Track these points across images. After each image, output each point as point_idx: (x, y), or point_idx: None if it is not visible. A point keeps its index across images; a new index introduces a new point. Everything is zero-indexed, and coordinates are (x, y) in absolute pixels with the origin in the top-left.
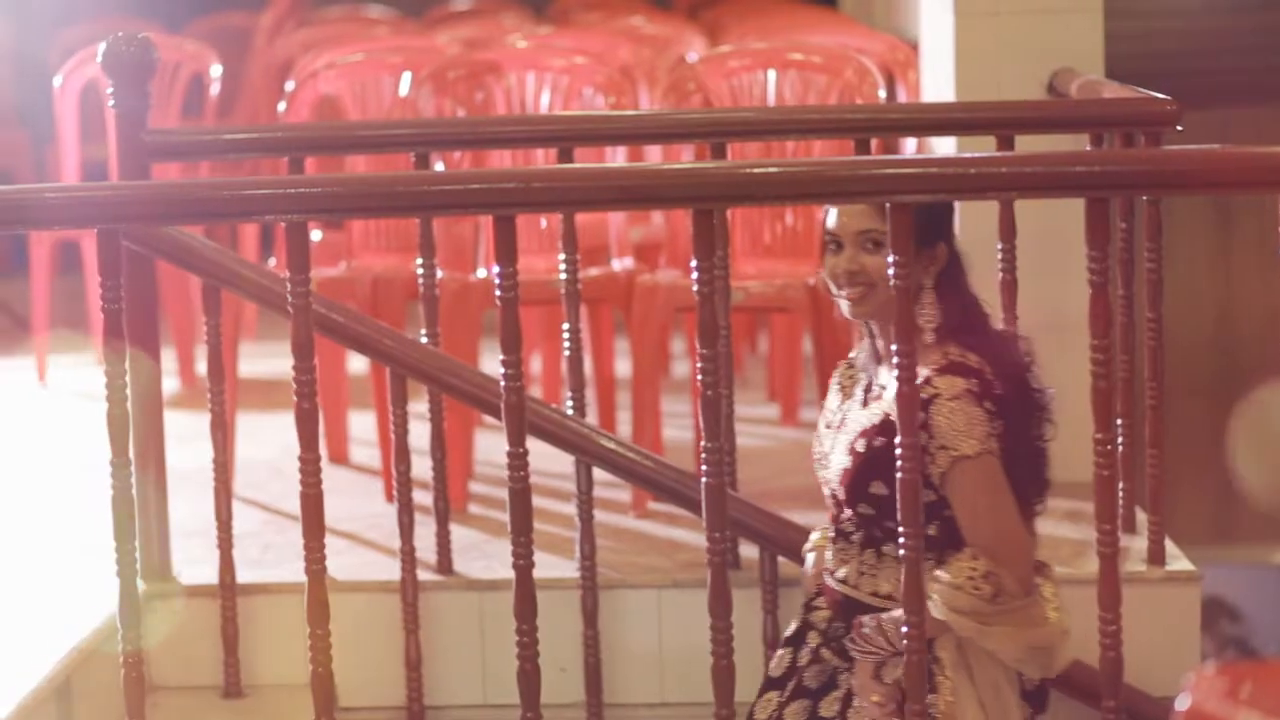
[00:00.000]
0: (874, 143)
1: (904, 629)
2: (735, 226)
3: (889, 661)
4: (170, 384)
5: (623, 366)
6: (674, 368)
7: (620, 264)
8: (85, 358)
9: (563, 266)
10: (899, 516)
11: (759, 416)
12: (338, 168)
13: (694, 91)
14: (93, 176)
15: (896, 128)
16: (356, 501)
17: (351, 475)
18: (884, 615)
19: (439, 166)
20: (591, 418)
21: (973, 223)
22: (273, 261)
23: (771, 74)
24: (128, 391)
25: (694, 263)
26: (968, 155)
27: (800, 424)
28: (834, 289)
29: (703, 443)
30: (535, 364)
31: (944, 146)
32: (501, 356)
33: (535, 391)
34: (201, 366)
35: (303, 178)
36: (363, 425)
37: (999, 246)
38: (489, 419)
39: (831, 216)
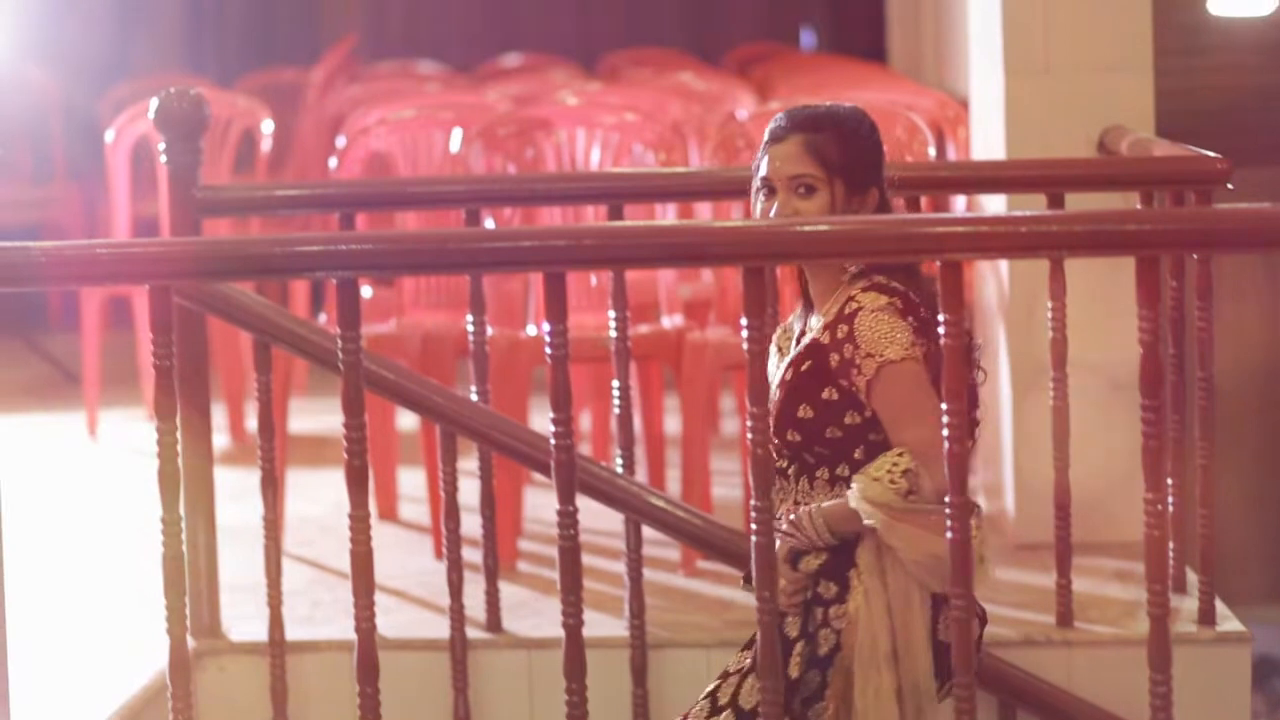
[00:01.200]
0: (924, 200)
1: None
2: (784, 283)
3: (809, 553)
4: (220, 440)
5: (672, 424)
6: (723, 425)
7: (670, 321)
8: (136, 413)
9: (613, 324)
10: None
11: None
12: (388, 224)
13: (744, 148)
14: (143, 232)
15: (946, 185)
16: (406, 558)
17: (401, 532)
18: (815, 506)
19: (489, 223)
20: (641, 475)
21: (1023, 280)
22: (323, 317)
23: None
24: (179, 448)
25: (744, 320)
26: (1018, 214)
27: None
28: None
29: (752, 501)
30: (584, 421)
31: (994, 204)
32: (551, 414)
33: (584, 449)
34: (252, 422)
35: (354, 234)
36: (412, 482)
37: (1049, 305)
38: (538, 476)
39: (764, 163)
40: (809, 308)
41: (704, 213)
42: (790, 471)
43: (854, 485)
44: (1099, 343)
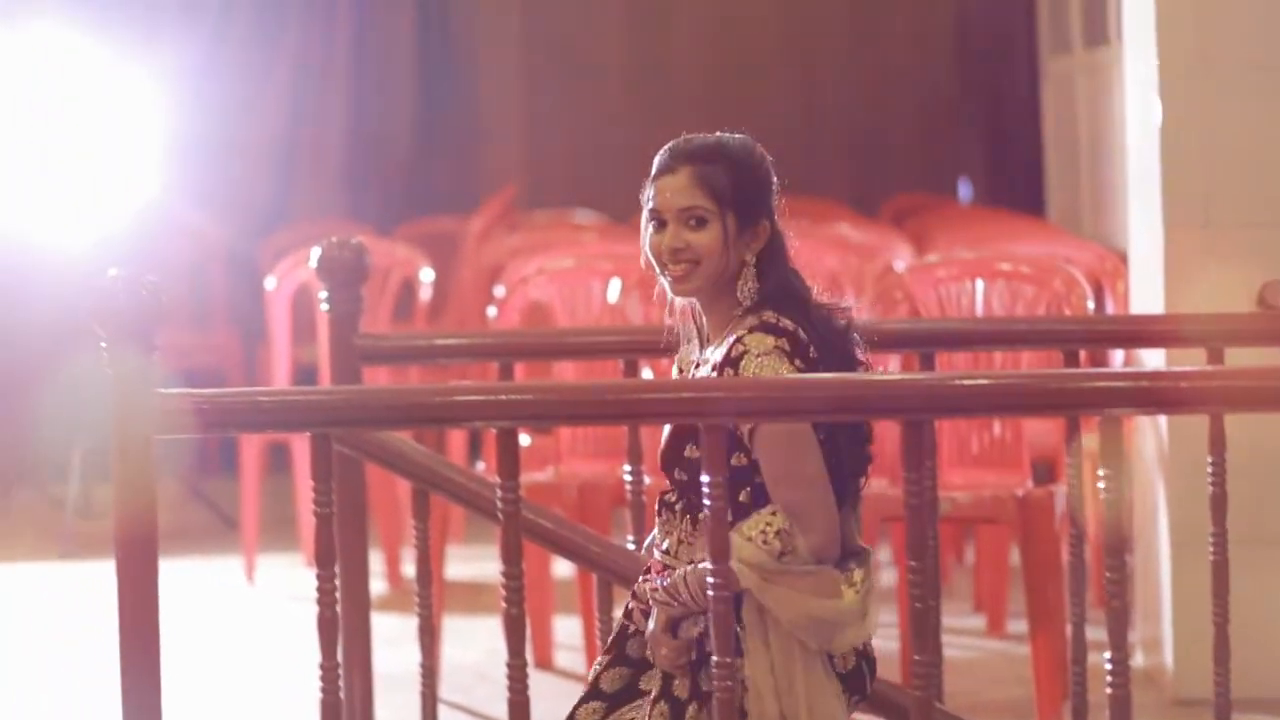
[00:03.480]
0: (1082, 354)
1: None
2: (942, 435)
3: (687, 620)
4: (378, 586)
5: None
6: (880, 577)
7: None
8: (294, 558)
9: None
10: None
11: (965, 627)
12: (546, 373)
13: (901, 300)
14: (302, 378)
15: (1105, 339)
16: (562, 707)
17: (557, 680)
18: (690, 568)
19: (647, 373)
20: None
21: (1181, 435)
22: (481, 465)
23: (979, 284)
24: (337, 594)
25: (903, 474)
26: (1178, 369)
27: (1008, 635)
28: (657, 267)
29: (912, 655)
30: None
31: (1153, 359)
32: (710, 565)
33: None
34: (409, 569)
35: (513, 385)
36: (568, 629)
37: (1209, 460)
38: None
39: (654, 195)
40: (702, 340)
41: None
42: (677, 508)
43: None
44: (1259, 497)
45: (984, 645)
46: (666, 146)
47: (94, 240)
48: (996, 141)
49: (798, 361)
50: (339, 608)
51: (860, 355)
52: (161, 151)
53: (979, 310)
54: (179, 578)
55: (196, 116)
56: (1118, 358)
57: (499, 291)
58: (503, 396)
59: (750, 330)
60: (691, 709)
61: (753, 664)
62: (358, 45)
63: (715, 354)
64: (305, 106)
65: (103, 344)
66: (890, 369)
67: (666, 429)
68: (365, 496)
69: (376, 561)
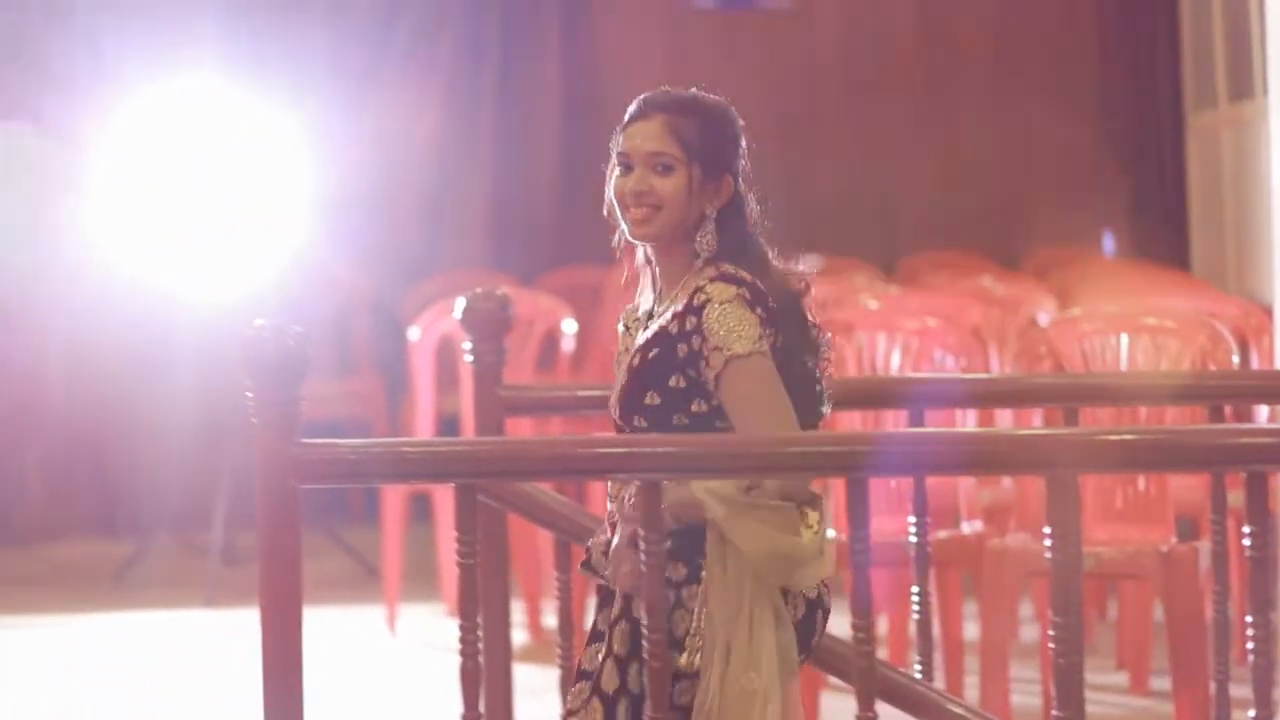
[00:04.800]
0: (1227, 410)
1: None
2: (1086, 490)
3: None
4: (519, 636)
5: (971, 630)
6: (1023, 632)
7: (969, 526)
8: (435, 608)
9: (912, 529)
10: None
11: (1108, 684)
12: None
13: (1045, 355)
14: (445, 428)
15: (1250, 395)
16: None
17: None
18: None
19: None
20: (939, 682)
21: None
22: None
23: (1124, 338)
24: (480, 645)
25: (1047, 530)
26: None
27: (1151, 693)
28: (619, 210)
29: (1054, 711)
30: (882, 625)
31: None
32: (852, 619)
33: (882, 653)
34: (550, 619)
35: (656, 437)
36: None
37: None
38: (835, 680)
39: (624, 138)
40: (655, 287)
41: (1004, 420)
42: None
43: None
44: None
45: (1127, 702)
46: (643, 95)
47: (241, 290)
48: (1140, 195)
49: (759, 310)
50: (481, 658)
51: (812, 319)
52: (310, 201)
53: (1123, 365)
54: (321, 626)
55: (344, 167)
56: (1263, 413)
57: None
58: (645, 449)
59: (711, 280)
60: None
61: (713, 592)
62: (503, 96)
63: (671, 307)
64: (450, 157)
65: (249, 393)
66: (1034, 424)
67: (622, 376)
68: (508, 546)
69: (518, 612)
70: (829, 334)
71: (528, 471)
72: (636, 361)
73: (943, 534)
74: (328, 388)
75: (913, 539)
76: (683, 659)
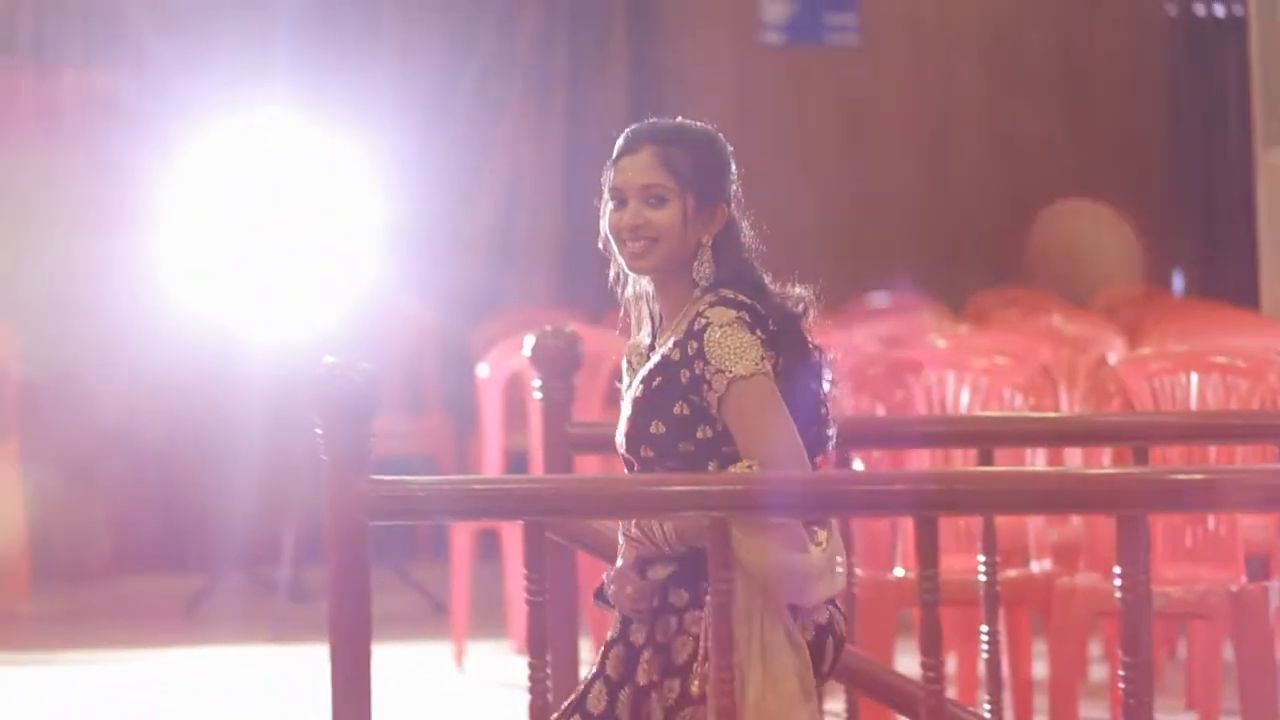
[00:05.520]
0: None
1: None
2: (1156, 529)
3: (658, 562)
4: (587, 674)
5: (1040, 669)
6: (1092, 671)
7: (1039, 565)
8: (503, 645)
9: (981, 568)
10: None
11: None
12: None
13: (1114, 393)
14: (514, 465)
15: None
16: None
17: None
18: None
19: (858, 464)
20: None
21: None
22: None
23: (1193, 377)
24: (548, 683)
25: (1117, 569)
26: None
27: None
28: (615, 246)
29: None
30: (950, 664)
31: None
32: (921, 657)
33: (951, 692)
34: None
35: (725, 475)
36: None
37: None
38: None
39: (615, 173)
40: (658, 323)
41: (1074, 459)
42: None
43: None
44: None
45: None
46: (629, 128)
47: (311, 326)
48: (1210, 233)
49: (759, 332)
50: (549, 695)
51: (812, 342)
52: (379, 238)
53: (1193, 404)
54: (389, 662)
55: (413, 203)
56: None
57: None
58: (714, 487)
59: (710, 305)
60: (646, 654)
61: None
62: (571, 132)
63: (672, 336)
64: (519, 193)
65: (318, 430)
66: (1103, 463)
67: (626, 408)
68: (576, 584)
69: (586, 649)
70: (831, 356)
71: (596, 509)
72: (639, 393)
73: (1012, 573)
74: (396, 425)
75: (982, 578)
76: (694, 687)
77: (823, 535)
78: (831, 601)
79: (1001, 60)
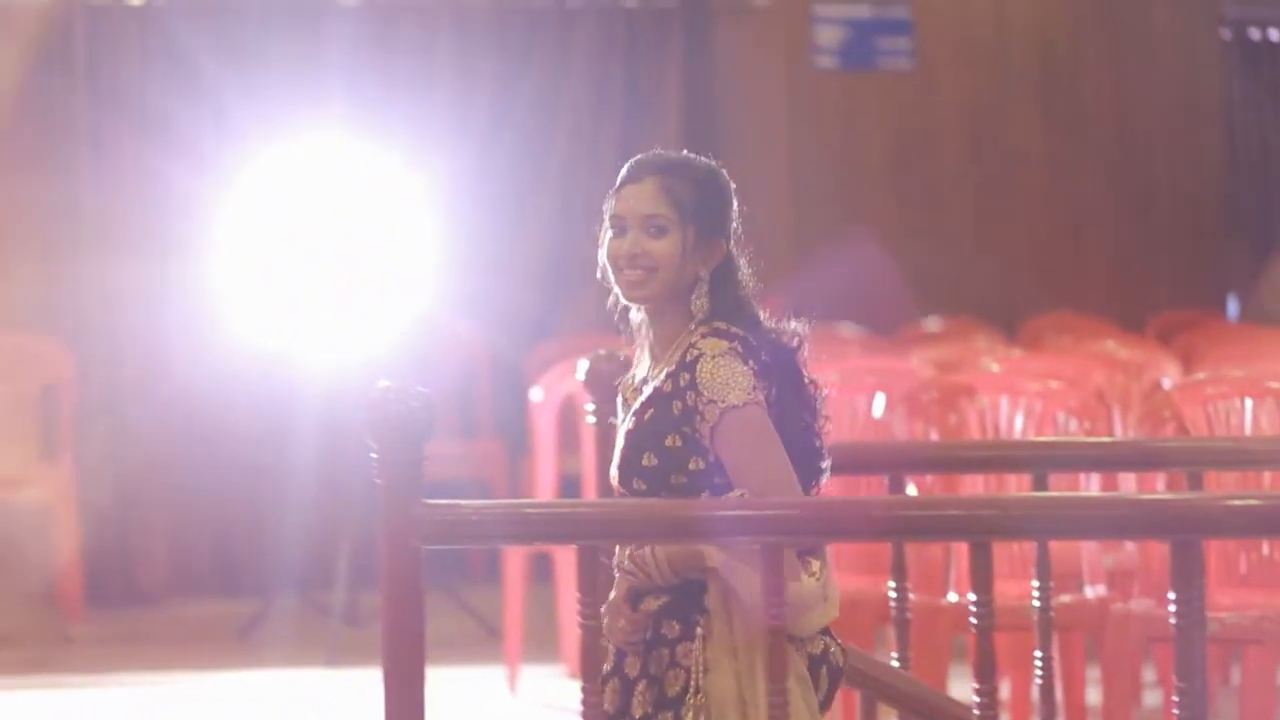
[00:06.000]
0: None
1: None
2: (1209, 555)
3: (650, 594)
4: None
5: (1093, 695)
6: (1145, 697)
7: (1093, 591)
8: (556, 669)
9: (1035, 593)
10: None
11: None
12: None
13: (1169, 419)
14: (567, 489)
15: None
16: None
17: None
18: (659, 547)
19: (911, 489)
20: None
21: None
22: None
23: (1248, 402)
24: (601, 707)
25: (1171, 595)
26: None
27: None
28: (613, 273)
29: None
30: (1003, 690)
31: None
32: (974, 684)
33: (1004, 718)
34: None
35: (777, 500)
36: None
37: None
38: None
39: (617, 201)
40: (654, 357)
41: (1128, 484)
42: None
43: None
44: None
45: None
46: (634, 159)
47: (364, 350)
48: (1265, 257)
49: (751, 363)
50: None
51: (806, 375)
52: (433, 261)
53: (1247, 429)
54: (442, 686)
55: (466, 227)
56: None
57: None
58: (767, 512)
59: (703, 337)
60: (640, 686)
61: (715, 646)
62: (624, 158)
63: (665, 369)
64: (572, 218)
65: (373, 454)
66: (1158, 488)
67: (620, 441)
68: None
69: None
70: (825, 391)
71: (650, 534)
72: (631, 425)
73: (1065, 598)
74: (449, 448)
75: (1035, 603)
76: (688, 718)
77: (816, 564)
78: (826, 631)
79: (1055, 84)
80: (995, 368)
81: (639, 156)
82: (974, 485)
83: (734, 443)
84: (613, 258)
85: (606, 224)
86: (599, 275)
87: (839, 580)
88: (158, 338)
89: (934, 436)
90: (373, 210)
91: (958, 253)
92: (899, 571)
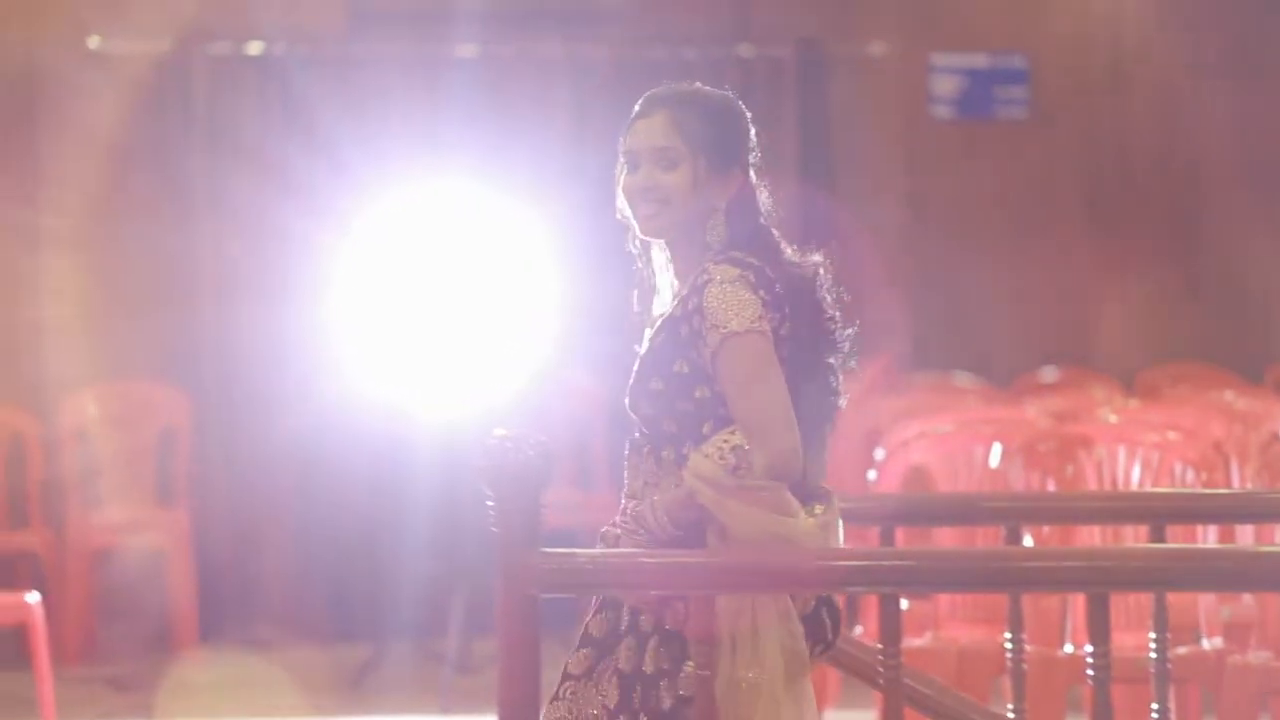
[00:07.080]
0: None
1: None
2: None
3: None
4: None
5: None
6: None
7: (1210, 643)
8: None
9: (1152, 645)
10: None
11: None
12: (925, 538)
13: None
14: None
15: None
16: None
17: None
18: (655, 499)
19: (1028, 540)
20: None
21: None
22: (858, 629)
23: None
24: None
25: None
26: None
27: None
28: (630, 209)
29: None
30: None
31: None
32: None
33: None
34: None
35: (896, 550)
36: None
37: None
38: None
39: (629, 136)
40: (674, 292)
41: (1245, 536)
42: (644, 449)
43: (689, 462)
44: None
45: None
46: (646, 94)
47: (481, 397)
48: None
49: (761, 292)
50: None
51: (827, 310)
52: (550, 310)
53: None
54: None
55: (580, 276)
56: None
57: (879, 454)
58: (885, 562)
59: (716, 263)
60: (654, 641)
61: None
62: None
63: (679, 295)
64: None
65: (489, 502)
66: (1276, 540)
67: (635, 366)
68: None
69: None
70: (850, 328)
71: (764, 583)
72: (644, 350)
73: (1182, 650)
74: (565, 496)
75: (1152, 655)
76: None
77: (819, 509)
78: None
79: (1175, 129)
80: (1112, 418)
81: (651, 91)
82: (1090, 536)
83: (731, 370)
84: (628, 193)
85: (621, 160)
86: (618, 216)
87: (958, 634)
88: (275, 385)
89: (1051, 487)
90: (490, 259)
91: (1075, 302)
92: (1015, 623)
